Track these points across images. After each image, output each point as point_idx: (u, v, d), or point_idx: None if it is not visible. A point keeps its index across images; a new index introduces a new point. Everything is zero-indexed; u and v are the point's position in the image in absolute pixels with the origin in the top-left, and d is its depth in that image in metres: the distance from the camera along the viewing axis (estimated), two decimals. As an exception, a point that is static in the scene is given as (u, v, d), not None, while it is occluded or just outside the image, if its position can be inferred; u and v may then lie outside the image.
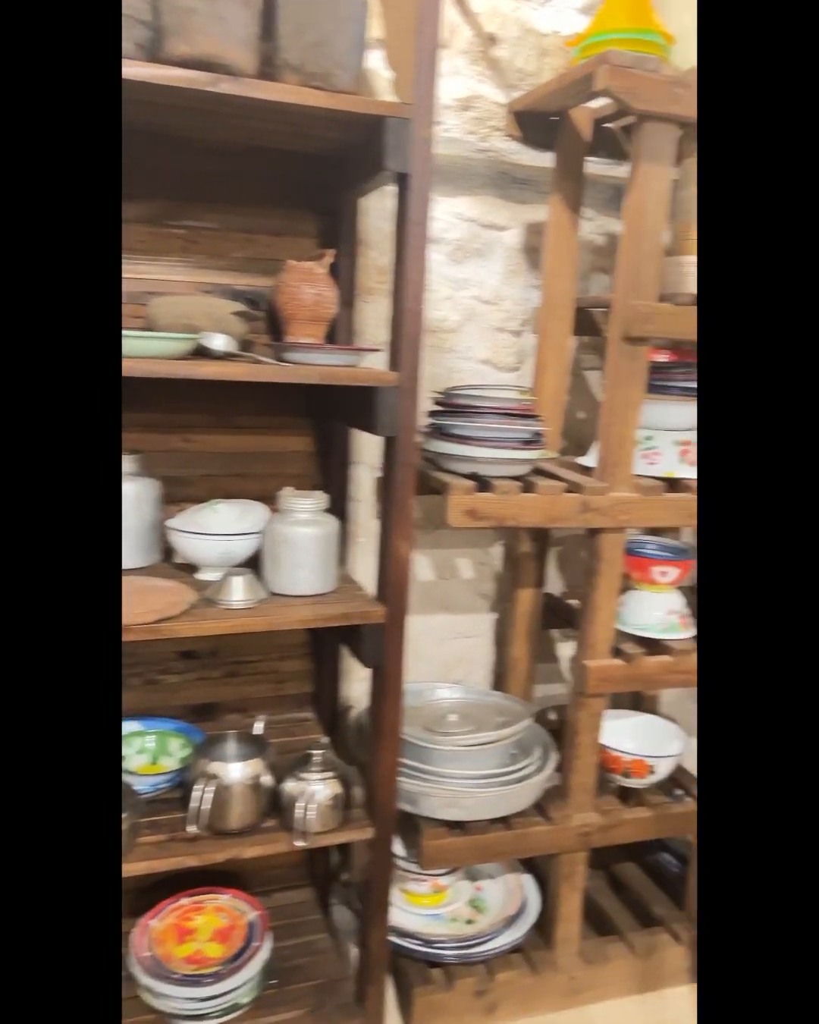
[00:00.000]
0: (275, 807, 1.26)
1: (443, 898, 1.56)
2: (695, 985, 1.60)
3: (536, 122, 1.53)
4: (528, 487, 1.35)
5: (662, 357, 1.49)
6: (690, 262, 1.38)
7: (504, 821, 1.46)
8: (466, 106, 1.58)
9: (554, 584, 1.88)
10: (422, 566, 1.78)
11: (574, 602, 1.69)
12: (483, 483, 1.34)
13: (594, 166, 1.64)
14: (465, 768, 1.42)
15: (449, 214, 1.63)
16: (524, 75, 1.61)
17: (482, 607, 1.84)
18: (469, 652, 1.85)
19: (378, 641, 1.23)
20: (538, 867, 1.68)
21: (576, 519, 1.35)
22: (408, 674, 1.79)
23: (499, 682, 1.83)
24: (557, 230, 1.54)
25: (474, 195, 1.64)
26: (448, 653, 1.84)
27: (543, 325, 1.58)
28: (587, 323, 1.64)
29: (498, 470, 1.36)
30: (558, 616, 1.72)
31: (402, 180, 1.11)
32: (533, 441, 1.39)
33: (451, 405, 1.39)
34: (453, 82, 1.57)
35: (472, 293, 1.69)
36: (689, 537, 1.91)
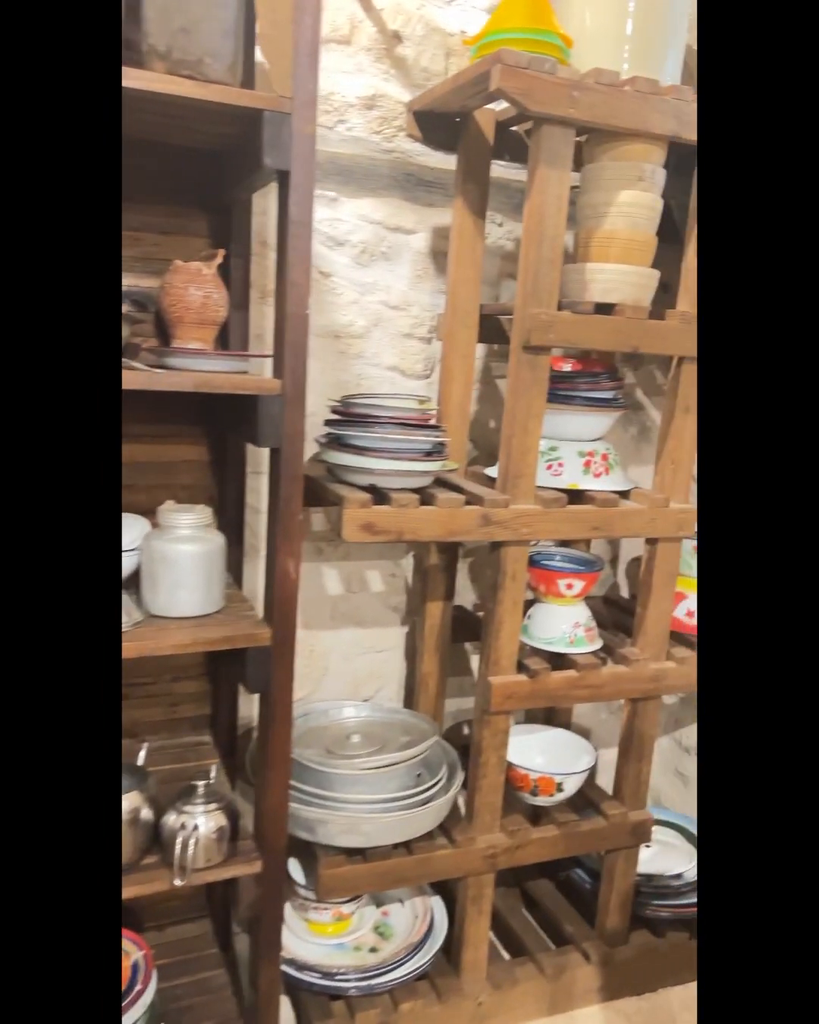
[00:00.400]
0: (156, 842, 1.19)
1: (347, 926, 1.50)
2: (603, 1005, 1.57)
3: (438, 123, 1.48)
4: (427, 500, 1.30)
5: (566, 366, 1.46)
6: (593, 269, 1.35)
7: (406, 846, 1.40)
8: (370, 105, 1.53)
9: (467, 596, 1.84)
10: (331, 579, 1.72)
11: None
12: (381, 495, 1.29)
13: (502, 170, 1.61)
14: (365, 792, 1.36)
15: (354, 216, 1.57)
16: (430, 74, 1.56)
17: (393, 621, 1.79)
18: (380, 667, 1.80)
19: (264, 665, 1.16)
20: (448, 888, 1.63)
21: (477, 532, 1.31)
22: (317, 692, 1.74)
23: (410, 697, 1.78)
24: (461, 235, 1.50)
25: (379, 197, 1.59)
26: (359, 668, 1.78)
27: (449, 332, 1.54)
28: (496, 331, 1.60)
29: (397, 482, 1.31)
30: (468, 629, 1.68)
31: (283, 178, 1.05)
32: (434, 452, 1.34)
33: (348, 414, 1.33)
34: (356, 80, 1.52)
35: (379, 298, 1.63)
36: (597, 549, 1.89)
